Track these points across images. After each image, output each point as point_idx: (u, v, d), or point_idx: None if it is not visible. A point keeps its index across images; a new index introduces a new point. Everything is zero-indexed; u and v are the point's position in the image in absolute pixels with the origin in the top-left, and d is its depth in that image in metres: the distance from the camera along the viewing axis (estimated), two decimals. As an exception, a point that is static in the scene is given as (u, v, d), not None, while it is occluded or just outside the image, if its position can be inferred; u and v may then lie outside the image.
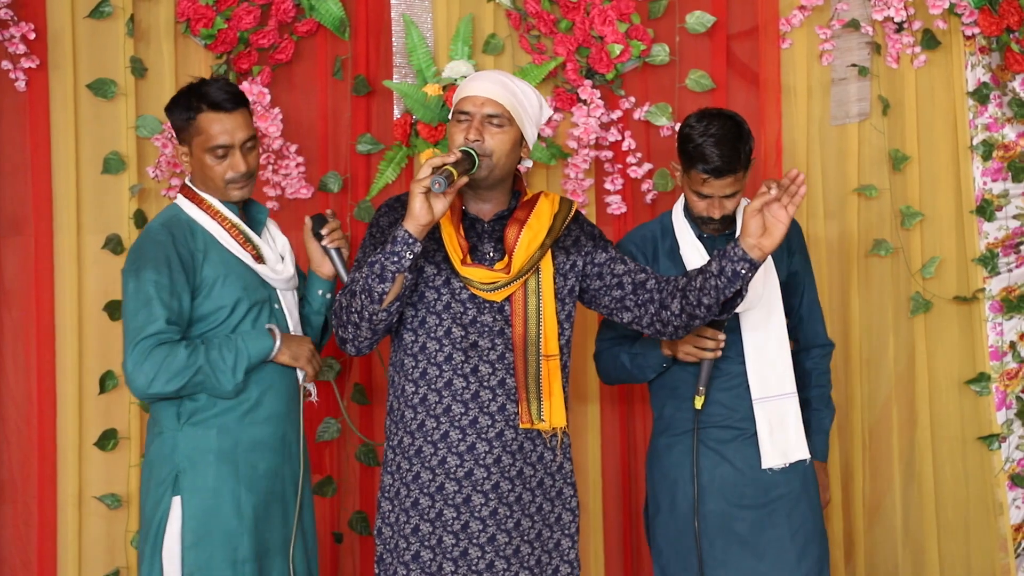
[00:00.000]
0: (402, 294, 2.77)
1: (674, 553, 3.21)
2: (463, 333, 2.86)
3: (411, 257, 2.69)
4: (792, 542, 3.14)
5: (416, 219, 2.68)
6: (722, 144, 3.07)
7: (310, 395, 3.13)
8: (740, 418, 3.18)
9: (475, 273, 2.84)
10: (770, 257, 3.16)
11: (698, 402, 3.11)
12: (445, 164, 2.68)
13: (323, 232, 3.12)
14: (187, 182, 3.07)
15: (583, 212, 3.79)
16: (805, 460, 3.20)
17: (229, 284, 2.97)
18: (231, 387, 2.91)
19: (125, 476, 3.64)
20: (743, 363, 3.18)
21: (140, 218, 3.65)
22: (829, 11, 3.86)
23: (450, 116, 2.92)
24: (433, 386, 2.87)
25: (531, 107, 2.90)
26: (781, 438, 3.17)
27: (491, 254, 2.90)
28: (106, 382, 3.64)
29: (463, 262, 2.85)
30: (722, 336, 3.08)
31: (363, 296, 2.75)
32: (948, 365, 3.88)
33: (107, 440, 3.64)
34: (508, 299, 2.89)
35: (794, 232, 3.32)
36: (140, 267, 2.90)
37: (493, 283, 2.84)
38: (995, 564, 3.84)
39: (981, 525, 3.86)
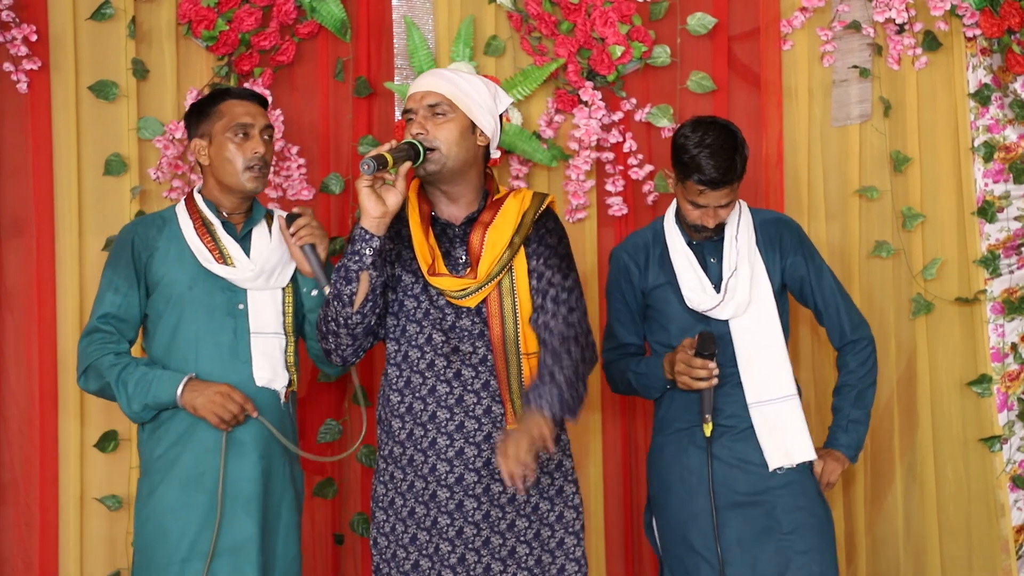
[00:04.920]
0: (373, 294, 2.76)
1: (672, 555, 3.22)
2: (444, 339, 2.85)
3: (370, 253, 2.69)
4: (790, 535, 3.13)
5: (367, 212, 2.69)
6: (718, 155, 3.05)
7: (288, 393, 3.11)
8: (728, 415, 3.17)
9: (443, 282, 2.83)
10: (760, 262, 3.19)
11: (707, 429, 3.09)
12: (379, 152, 2.67)
13: (291, 230, 3.05)
14: (195, 191, 3.13)
15: (584, 211, 3.80)
16: (811, 462, 3.20)
17: (180, 283, 3.02)
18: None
19: (126, 478, 3.64)
20: (734, 365, 3.17)
21: (141, 220, 3.66)
22: (830, 12, 3.86)
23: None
24: (417, 394, 2.85)
25: (477, 93, 2.86)
26: (781, 440, 3.15)
27: (463, 259, 2.88)
28: (107, 383, 3.65)
29: (430, 271, 2.83)
30: (713, 365, 3.05)
31: (335, 302, 2.77)
32: (949, 367, 3.88)
33: (108, 442, 3.64)
34: (484, 301, 2.87)
35: (787, 234, 3.28)
36: (105, 265, 3.08)
37: (463, 290, 2.83)
38: (996, 566, 3.84)
39: (983, 527, 3.85)
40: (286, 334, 3.10)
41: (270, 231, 3.13)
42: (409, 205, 2.88)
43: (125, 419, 3.62)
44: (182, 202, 3.13)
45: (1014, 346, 3.87)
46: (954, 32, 3.85)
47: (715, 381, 3.06)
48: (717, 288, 3.17)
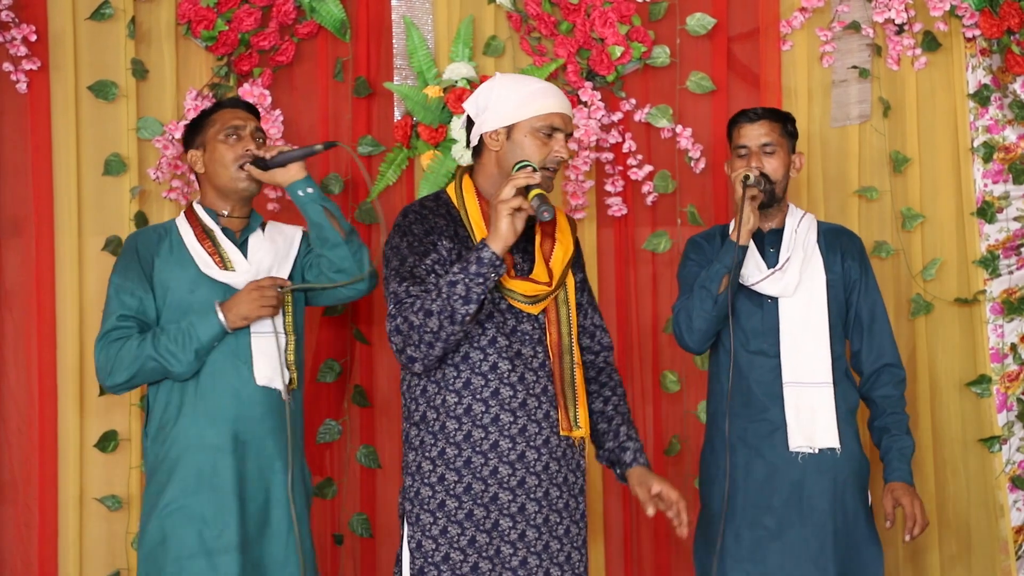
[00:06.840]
0: (478, 311, 2.77)
1: (705, 551, 3.28)
2: (507, 342, 2.85)
3: (495, 278, 2.70)
4: (813, 545, 3.17)
5: (505, 239, 2.70)
6: (761, 108, 3.31)
7: (289, 390, 3.13)
8: (776, 414, 3.22)
9: (521, 286, 2.85)
10: (817, 254, 3.29)
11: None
12: (530, 185, 2.71)
13: (262, 154, 3.08)
14: (194, 203, 3.19)
15: (584, 211, 3.82)
16: (836, 451, 3.20)
17: (181, 288, 3.07)
18: (184, 369, 3.02)
19: (125, 478, 3.64)
20: (779, 354, 3.22)
21: (141, 220, 3.66)
22: (830, 13, 3.86)
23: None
24: (479, 396, 2.83)
25: None
26: (808, 422, 3.19)
27: (519, 263, 2.91)
28: (106, 384, 3.65)
29: (509, 275, 2.86)
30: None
31: (442, 317, 2.71)
32: (949, 367, 3.88)
33: (107, 442, 3.64)
34: (544, 308, 2.91)
35: (848, 243, 3.36)
36: (112, 274, 3.11)
37: (535, 296, 2.86)
38: (996, 566, 3.84)
39: (982, 527, 3.85)
40: (286, 333, 3.13)
41: (263, 235, 3.20)
42: (470, 205, 2.90)
43: (125, 419, 3.64)
44: (182, 214, 3.18)
45: (1013, 346, 3.87)
46: (953, 33, 3.85)
47: (755, 170, 3.19)
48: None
